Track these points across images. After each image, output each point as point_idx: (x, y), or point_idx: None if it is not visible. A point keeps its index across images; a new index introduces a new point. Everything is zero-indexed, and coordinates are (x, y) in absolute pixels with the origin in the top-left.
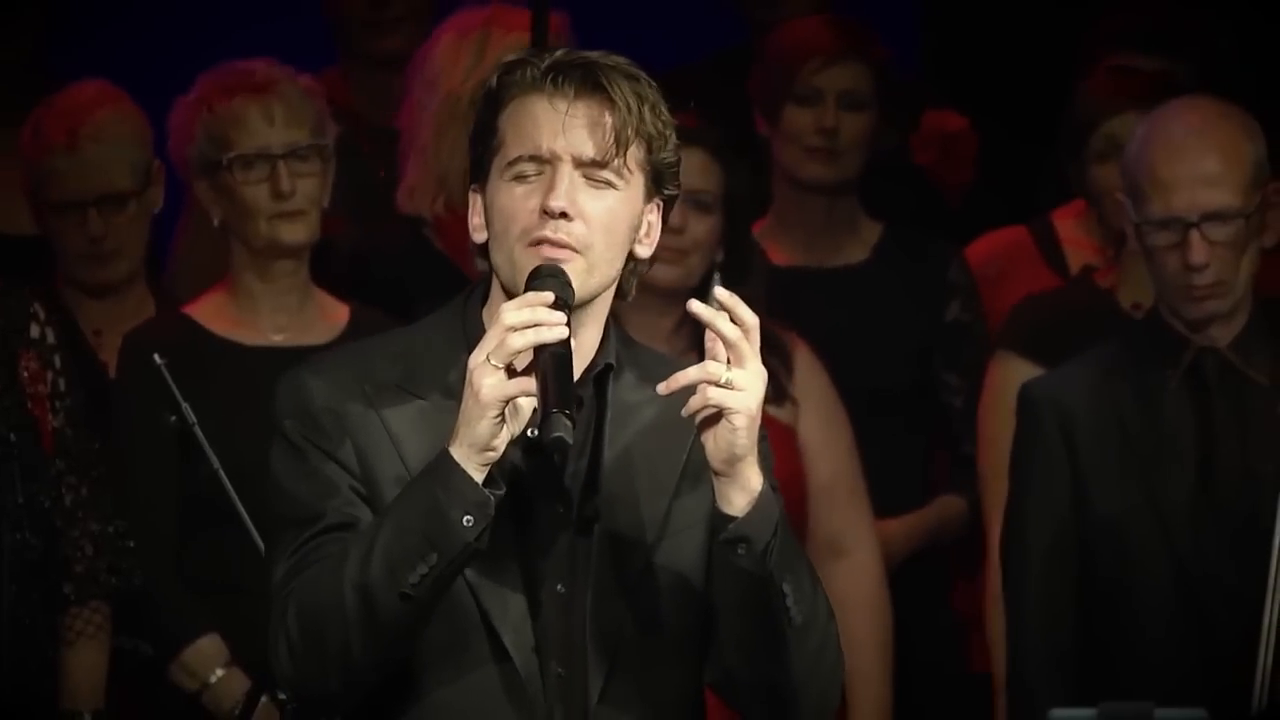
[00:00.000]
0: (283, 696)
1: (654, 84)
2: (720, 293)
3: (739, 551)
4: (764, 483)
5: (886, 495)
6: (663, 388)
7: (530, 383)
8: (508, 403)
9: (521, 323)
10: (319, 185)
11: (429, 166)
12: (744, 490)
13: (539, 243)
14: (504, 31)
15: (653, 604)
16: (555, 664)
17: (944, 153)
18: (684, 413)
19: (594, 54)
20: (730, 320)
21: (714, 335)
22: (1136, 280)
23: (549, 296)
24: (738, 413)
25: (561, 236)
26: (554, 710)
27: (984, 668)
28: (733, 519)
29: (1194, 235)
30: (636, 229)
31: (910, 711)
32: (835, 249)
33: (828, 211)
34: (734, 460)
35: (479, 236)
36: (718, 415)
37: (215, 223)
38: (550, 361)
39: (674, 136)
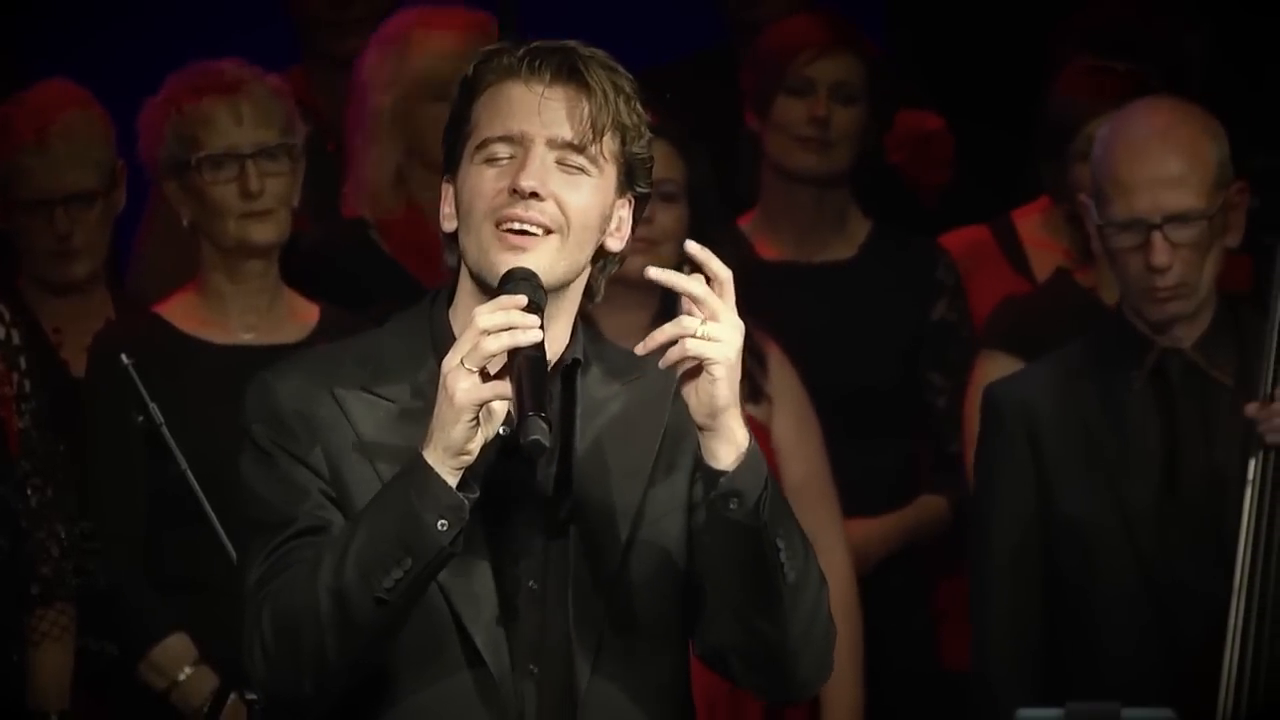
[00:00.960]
0: (251, 696)
1: (631, 78)
2: (691, 246)
3: (731, 506)
4: (750, 438)
5: (869, 493)
6: (640, 348)
7: (505, 387)
8: (482, 406)
9: (495, 326)
10: (288, 185)
11: (362, 175)
12: (730, 443)
13: (508, 220)
14: (426, 31)
15: (633, 595)
16: (528, 662)
17: (919, 152)
18: (661, 364)
19: (572, 42)
20: (703, 277)
21: (671, 286)
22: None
23: (522, 300)
24: (716, 363)
25: (533, 214)
26: (526, 709)
27: (957, 666)
28: (722, 474)
29: (1156, 237)
30: (607, 220)
31: (885, 710)
32: (823, 244)
33: (816, 205)
34: (717, 413)
35: (449, 225)
36: (697, 369)
37: (184, 223)
38: (525, 365)
39: (648, 132)
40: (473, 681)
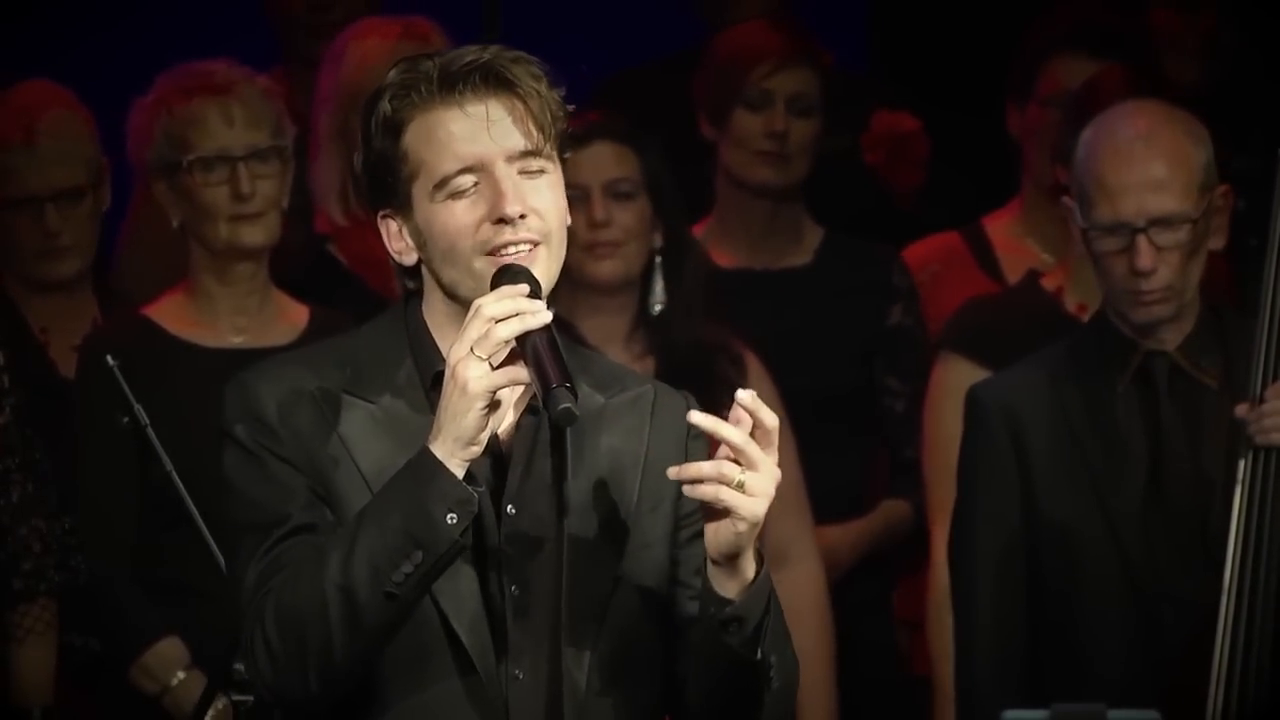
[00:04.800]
0: (238, 698)
1: (535, 59)
2: (741, 395)
3: (730, 630)
4: (758, 568)
5: (829, 499)
6: (674, 472)
7: (519, 371)
8: (494, 394)
9: (504, 312)
10: (279, 187)
11: (314, 189)
12: (739, 580)
13: (502, 248)
14: (359, 44)
15: (622, 620)
16: (513, 667)
17: (894, 153)
18: (690, 493)
19: (471, 51)
20: (747, 422)
21: (713, 434)
22: (1083, 283)
23: (524, 288)
24: (744, 519)
25: (524, 234)
26: (512, 713)
27: (926, 670)
28: (726, 601)
29: (1141, 240)
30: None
31: (854, 715)
32: (778, 253)
33: (772, 216)
34: (733, 557)
35: (408, 259)
36: (724, 511)
37: (174, 224)
38: (541, 342)
39: (565, 108)
40: (461, 683)
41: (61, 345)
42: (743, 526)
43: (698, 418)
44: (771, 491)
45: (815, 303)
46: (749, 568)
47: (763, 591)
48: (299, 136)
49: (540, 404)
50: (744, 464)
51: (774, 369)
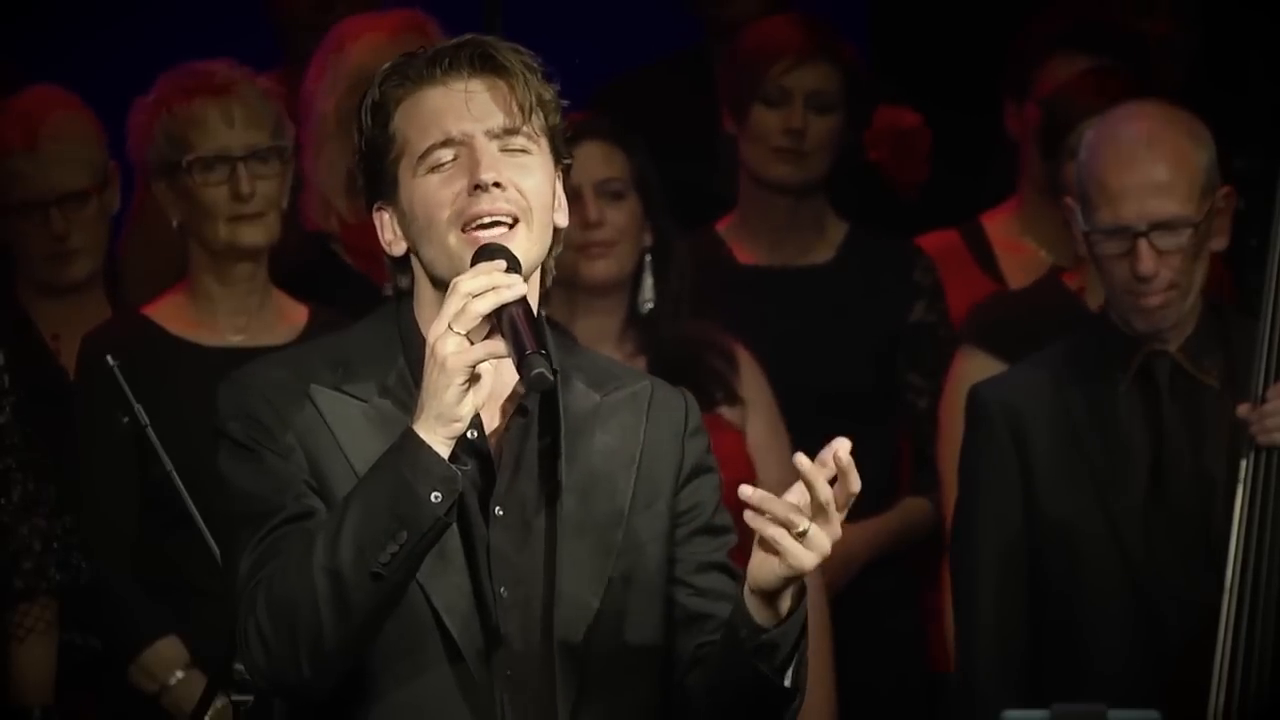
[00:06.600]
0: (238, 698)
1: (532, 53)
2: (842, 451)
3: (760, 656)
4: (795, 604)
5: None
6: (745, 493)
7: (497, 344)
8: (474, 368)
9: (480, 288)
10: (278, 187)
11: (314, 187)
12: (774, 611)
13: (475, 218)
14: (359, 33)
15: (617, 624)
16: (504, 666)
17: (897, 149)
18: (750, 522)
19: (468, 35)
20: (827, 480)
21: (805, 481)
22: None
23: (501, 263)
24: (793, 568)
25: (499, 205)
26: (505, 710)
27: (944, 667)
28: (761, 629)
29: (1142, 244)
30: (554, 195)
31: (872, 712)
32: (800, 249)
33: (793, 212)
34: (774, 594)
35: (397, 250)
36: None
37: (174, 224)
38: (517, 312)
39: (558, 104)
40: (453, 678)
41: (73, 350)
42: (789, 574)
43: (802, 460)
44: (828, 550)
45: (837, 299)
46: (785, 604)
47: (798, 622)
48: (298, 136)
49: (516, 371)
50: (814, 515)
51: (796, 365)
